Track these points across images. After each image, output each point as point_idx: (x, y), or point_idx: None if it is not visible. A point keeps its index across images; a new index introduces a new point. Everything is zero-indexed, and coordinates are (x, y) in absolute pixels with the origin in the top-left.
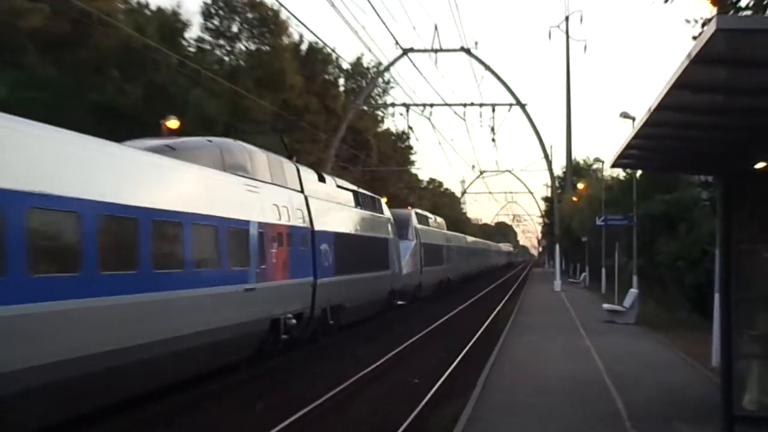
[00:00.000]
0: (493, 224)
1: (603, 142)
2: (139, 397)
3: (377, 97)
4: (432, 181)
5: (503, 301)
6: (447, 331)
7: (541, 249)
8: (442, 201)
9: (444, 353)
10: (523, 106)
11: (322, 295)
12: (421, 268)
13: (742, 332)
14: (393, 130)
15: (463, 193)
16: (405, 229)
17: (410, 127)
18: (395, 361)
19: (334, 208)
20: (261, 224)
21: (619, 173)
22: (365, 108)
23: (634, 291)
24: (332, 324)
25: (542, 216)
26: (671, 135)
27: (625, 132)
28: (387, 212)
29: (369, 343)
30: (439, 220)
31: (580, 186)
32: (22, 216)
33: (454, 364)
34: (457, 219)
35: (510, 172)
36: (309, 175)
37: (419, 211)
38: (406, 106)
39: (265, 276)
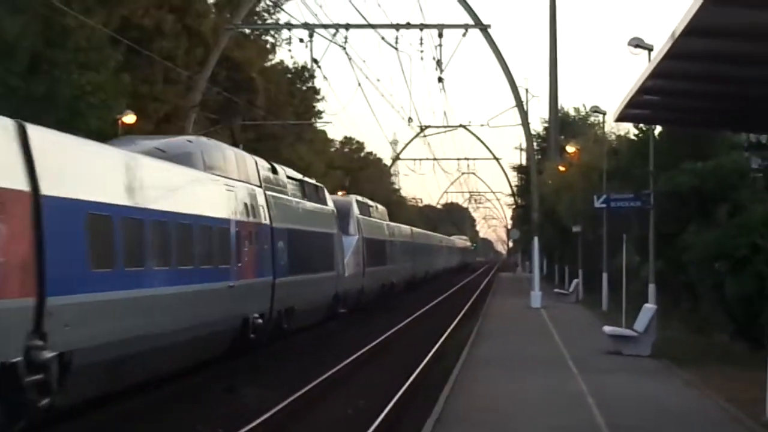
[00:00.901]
0: (439, 206)
1: (605, 85)
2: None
3: (265, 15)
4: (348, 141)
5: (456, 321)
6: (377, 362)
7: (511, 244)
8: (364, 172)
9: (365, 401)
10: (485, 29)
11: (280, 295)
12: (363, 270)
13: None
14: (289, 64)
15: (395, 159)
16: (346, 221)
17: (315, 61)
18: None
19: (286, 202)
20: (237, 222)
21: (629, 130)
22: (246, 31)
23: (650, 307)
24: (285, 328)
25: (513, 195)
26: (706, 73)
27: (639, 69)
28: (330, 202)
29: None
30: (381, 208)
31: (571, 149)
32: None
33: (379, 420)
34: (386, 199)
35: (465, 127)
36: (264, 167)
37: (360, 198)
38: (309, 28)
39: (242, 274)
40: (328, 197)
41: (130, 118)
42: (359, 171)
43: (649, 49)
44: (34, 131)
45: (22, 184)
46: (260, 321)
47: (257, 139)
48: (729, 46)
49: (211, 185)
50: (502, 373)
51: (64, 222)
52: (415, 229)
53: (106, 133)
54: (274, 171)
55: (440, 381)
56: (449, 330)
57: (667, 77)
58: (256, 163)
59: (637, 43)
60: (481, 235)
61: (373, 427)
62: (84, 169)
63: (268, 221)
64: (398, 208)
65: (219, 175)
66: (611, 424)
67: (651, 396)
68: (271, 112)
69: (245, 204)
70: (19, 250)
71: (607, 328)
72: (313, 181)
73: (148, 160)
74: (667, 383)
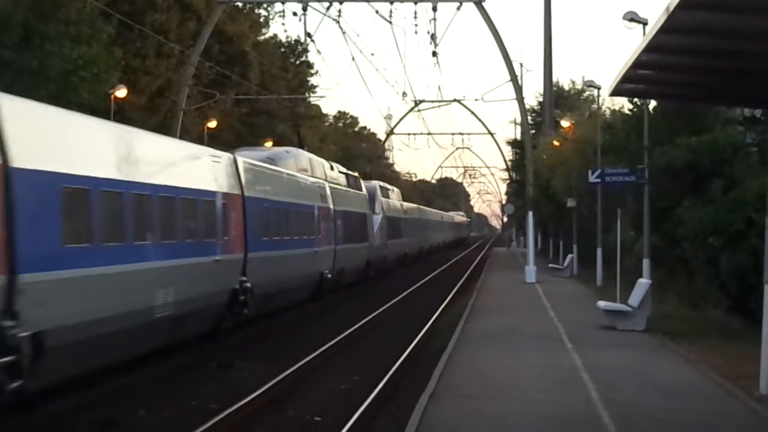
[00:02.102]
0: (433, 181)
1: (600, 60)
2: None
3: None
4: (342, 115)
5: (451, 295)
6: (370, 337)
7: (506, 219)
8: (358, 146)
9: (360, 375)
10: (479, 3)
11: (338, 258)
12: (386, 242)
13: None
14: (283, 38)
15: (389, 133)
16: (373, 203)
17: (309, 35)
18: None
19: (339, 191)
20: (318, 207)
21: (624, 105)
22: (239, 4)
23: (644, 282)
24: (339, 282)
25: (508, 169)
26: (700, 47)
27: (633, 43)
28: (363, 188)
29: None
30: (396, 190)
31: (565, 124)
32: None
33: (371, 397)
34: (380, 174)
35: (460, 102)
36: (327, 166)
37: (382, 183)
38: (303, 1)
39: (321, 242)
40: (368, 184)
41: (122, 92)
42: (354, 145)
43: (644, 23)
44: (5, 100)
45: None
46: (329, 276)
47: (250, 113)
48: (723, 19)
49: (303, 182)
50: (496, 347)
51: (36, 195)
52: (422, 207)
53: (98, 107)
54: (332, 168)
55: (435, 356)
56: (444, 304)
57: (662, 51)
58: (323, 165)
59: (632, 17)
60: (476, 210)
61: (367, 402)
62: (59, 141)
63: (332, 206)
64: (392, 183)
65: (307, 175)
66: (606, 398)
67: (645, 371)
68: (264, 86)
69: (321, 195)
70: None
71: (601, 303)
72: (352, 173)
73: (132, 132)
74: (661, 358)
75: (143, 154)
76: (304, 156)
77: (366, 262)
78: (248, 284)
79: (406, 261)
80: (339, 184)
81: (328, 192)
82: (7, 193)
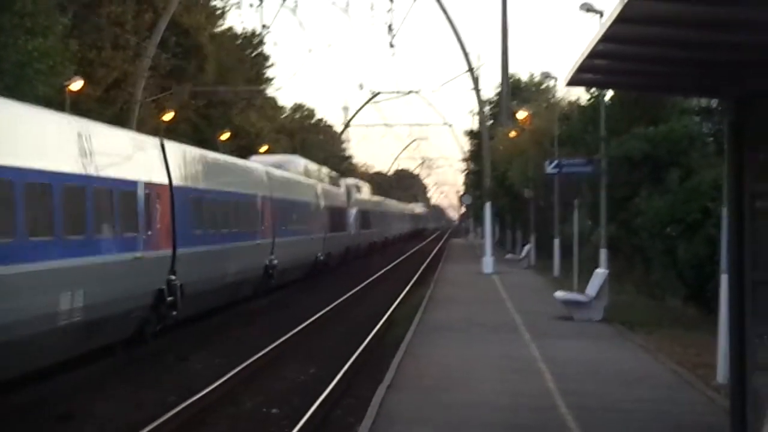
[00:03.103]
0: (390, 173)
1: (557, 52)
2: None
3: None
4: (299, 107)
5: (408, 287)
6: (329, 326)
7: (463, 210)
8: (314, 138)
9: (317, 367)
10: None
11: (327, 244)
12: (359, 231)
13: (763, 331)
14: (239, 30)
15: (346, 125)
16: (348, 198)
17: (265, 26)
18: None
19: (328, 189)
20: (312, 204)
21: (581, 96)
22: None
23: (601, 272)
24: (328, 264)
25: (465, 160)
26: (657, 36)
27: (589, 33)
28: (342, 185)
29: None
30: (366, 186)
31: (522, 114)
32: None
33: (331, 386)
34: (337, 165)
35: (417, 93)
36: (320, 169)
37: (353, 180)
38: None
39: (317, 230)
40: (345, 181)
41: (77, 85)
42: (310, 137)
43: (600, 13)
44: None
45: None
46: (322, 258)
47: (207, 105)
48: (680, 8)
49: (308, 185)
50: (454, 338)
51: None
52: (387, 200)
53: (53, 99)
54: (319, 171)
55: (393, 346)
56: (402, 295)
57: (618, 41)
58: (320, 169)
59: (588, 8)
60: (433, 201)
61: (324, 394)
62: None
63: (323, 202)
64: (349, 174)
65: (310, 178)
66: (563, 389)
67: (603, 360)
68: (220, 78)
69: (315, 194)
70: None
71: (558, 294)
72: (334, 173)
73: (25, 109)
74: (618, 347)
75: (41, 136)
76: (302, 162)
77: (345, 248)
78: (177, 283)
79: (375, 248)
80: (327, 184)
81: (320, 191)
82: None
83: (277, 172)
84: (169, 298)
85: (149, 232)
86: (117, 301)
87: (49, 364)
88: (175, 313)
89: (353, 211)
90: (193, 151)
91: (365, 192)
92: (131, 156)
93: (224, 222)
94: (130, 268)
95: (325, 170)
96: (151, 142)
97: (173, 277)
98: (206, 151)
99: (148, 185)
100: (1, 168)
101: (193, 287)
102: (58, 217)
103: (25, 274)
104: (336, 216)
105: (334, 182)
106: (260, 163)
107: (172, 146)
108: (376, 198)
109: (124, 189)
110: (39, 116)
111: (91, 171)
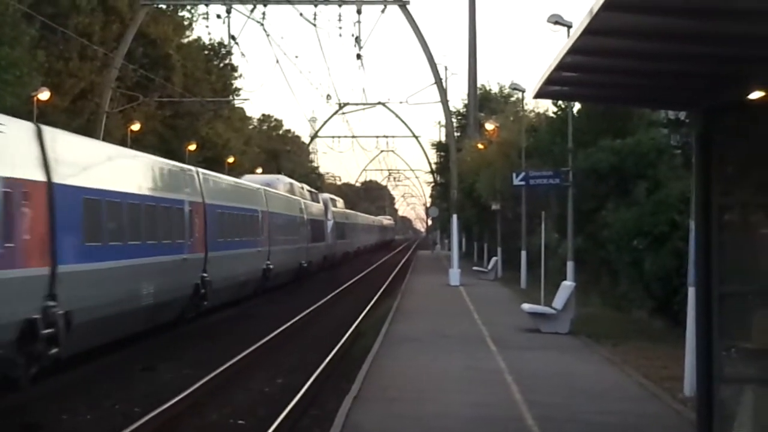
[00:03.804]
0: (358, 184)
1: (527, 63)
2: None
3: None
4: (266, 118)
5: (375, 298)
6: (298, 339)
7: (430, 222)
8: (281, 149)
9: (284, 378)
10: (403, 6)
11: (312, 251)
12: (335, 242)
13: (730, 345)
14: (206, 41)
15: (314, 136)
16: (326, 211)
17: (233, 37)
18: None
19: (309, 205)
20: (298, 218)
21: (548, 108)
22: (163, 6)
23: (568, 284)
24: (308, 268)
25: (432, 172)
26: (626, 49)
27: (558, 46)
28: (321, 200)
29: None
30: (340, 200)
31: (490, 126)
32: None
33: (295, 400)
34: (304, 177)
35: (384, 105)
36: (303, 188)
37: (329, 195)
38: (227, 3)
39: (311, 239)
40: (322, 196)
41: (44, 95)
42: (278, 148)
43: (569, 26)
44: None
45: None
46: (305, 265)
47: (174, 115)
48: (648, 21)
49: (294, 201)
50: (420, 350)
51: None
52: (358, 213)
53: (20, 110)
54: (302, 188)
55: (359, 358)
56: (369, 306)
57: (586, 53)
58: (302, 187)
59: (557, 20)
60: (400, 213)
61: (291, 405)
62: None
63: (306, 216)
64: (316, 185)
65: (295, 197)
66: (529, 401)
67: (569, 373)
68: (188, 89)
69: (299, 209)
70: None
71: (525, 306)
72: (314, 190)
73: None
74: (585, 360)
75: (137, 171)
76: (287, 180)
77: (323, 257)
78: (208, 279)
79: (347, 258)
80: (308, 200)
81: (303, 206)
82: None
83: (272, 191)
84: (202, 291)
85: (191, 239)
86: (171, 290)
87: (132, 333)
88: (206, 302)
89: (330, 223)
90: (217, 177)
91: (340, 205)
92: (179, 182)
93: (238, 232)
94: (180, 266)
95: (306, 187)
96: (190, 171)
97: (205, 275)
98: (224, 176)
99: (190, 203)
100: (114, 193)
101: (218, 283)
102: (142, 227)
103: (122, 268)
104: (316, 228)
105: (313, 197)
106: (252, 183)
107: (203, 173)
108: (349, 211)
109: (177, 207)
110: (134, 157)
111: (159, 194)
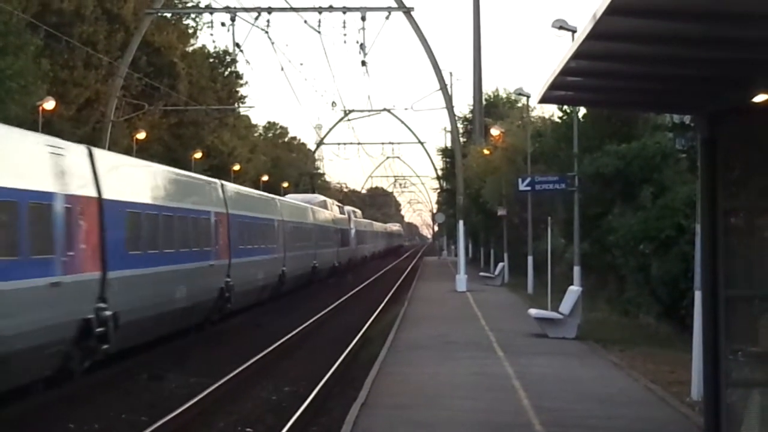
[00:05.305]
0: (364, 191)
1: (532, 68)
2: None
3: None
4: (272, 126)
5: (382, 304)
6: (307, 344)
7: (436, 228)
8: (288, 157)
9: (291, 386)
10: (408, 12)
11: (339, 256)
12: (357, 247)
13: (737, 348)
14: (211, 49)
15: (319, 144)
16: (348, 221)
17: (237, 45)
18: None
19: (339, 216)
20: (334, 228)
21: (554, 113)
22: (167, 15)
23: (575, 289)
24: (339, 269)
25: (438, 178)
26: (629, 53)
27: (562, 51)
28: (346, 211)
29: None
30: (358, 211)
31: (495, 132)
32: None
33: (302, 407)
34: (310, 184)
35: (389, 111)
36: (334, 203)
37: (351, 207)
38: (231, 11)
39: (338, 244)
40: (346, 209)
41: (50, 104)
42: (284, 155)
43: (573, 30)
44: None
45: None
46: (337, 265)
47: (178, 124)
48: (651, 25)
49: (329, 214)
50: (427, 356)
51: None
52: (372, 221)
53: (25, 119)
54: (333, 203)
55: (367, 364)
56: (376, 312)
57: (590, 58)
58: (333, 203)
59: (561, 25)
60: (407, 219)
61: (298, 413)
62: None
63: (337, 226)
64: (322, 193)
65: (326, 209)
66: (537, 406)
67: (576, 378)
68: (193, 97)
69: (334, 220)
70: None
71: (532, 311)
72: (339, 203)
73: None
74: (592, 365)
75: (179, 187)
76: (321, 198)
77: (348, 259)
78: (232, 283)
79: (366, 261)
80: (337, 214)
81: (333, 218)
82: None
83: (315, 208)
84: (227, 294)
85: (216, 248)
86: (200, 294)
87: (167, 333)
88: (229, 305)
89: (353, 231)
90: (239, 188)
91: (359, 215)
92: (206, 194)
93: (258, 239)
94: (207, 272)
95: (335, 202)
96: (215, 183)
97: (229, 279)
98: (245, 188)
99: (215, 214)
100: (151, 206)
101: (240, 287)
102: (175, 236)
103: (159, 273)
104: (345, 236)
105: (340, 210)
106: (294, 200)
107: (228, 185)
108: (366, 221)
109: (204, 217)
110: (166, 172)
111: (189, 206)
